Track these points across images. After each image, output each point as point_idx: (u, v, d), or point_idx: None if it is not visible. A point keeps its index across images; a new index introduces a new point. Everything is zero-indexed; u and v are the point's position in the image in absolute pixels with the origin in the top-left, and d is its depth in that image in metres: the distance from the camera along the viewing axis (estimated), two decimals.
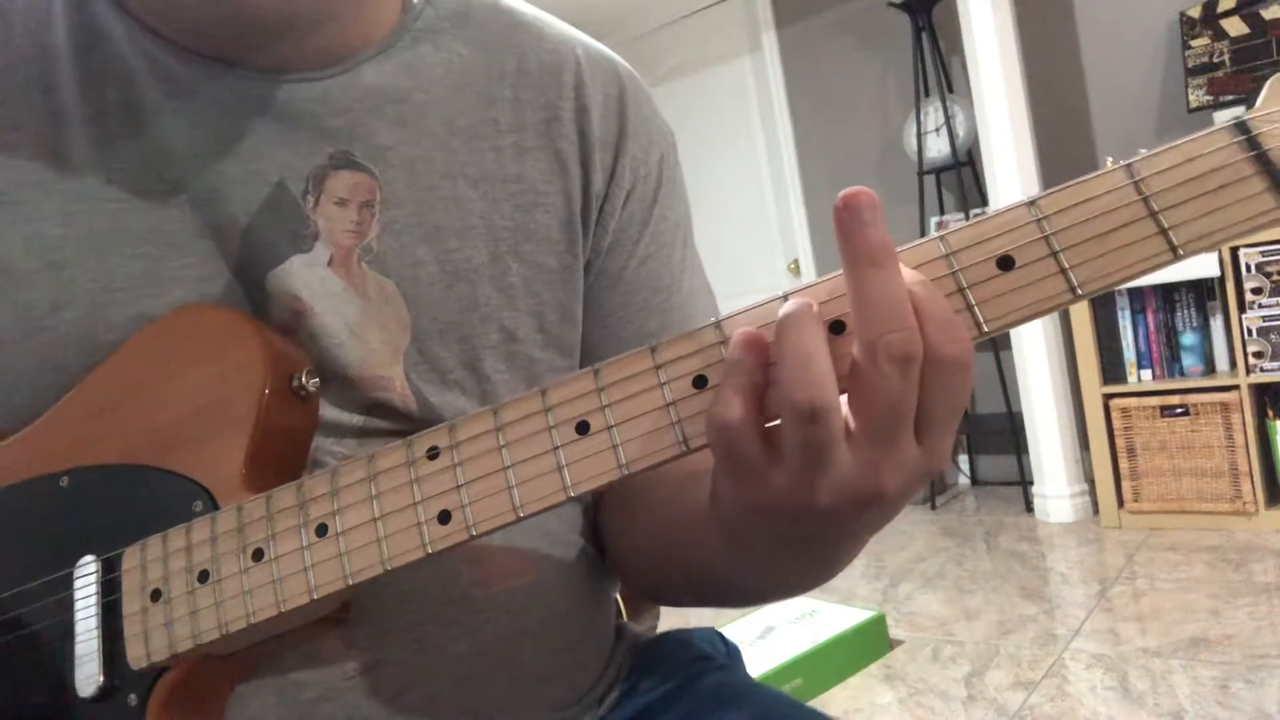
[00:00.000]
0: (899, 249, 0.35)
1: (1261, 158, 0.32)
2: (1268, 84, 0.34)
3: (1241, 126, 0.33)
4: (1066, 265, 0.34)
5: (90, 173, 0.48)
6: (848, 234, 0.34)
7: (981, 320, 0.35)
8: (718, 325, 0.37)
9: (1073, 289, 0.34)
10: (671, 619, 0.73)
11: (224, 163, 0.49)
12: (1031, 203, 0.35)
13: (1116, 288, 0.35)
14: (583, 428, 0.37)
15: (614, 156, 0.57)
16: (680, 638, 0.67)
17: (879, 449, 0.34)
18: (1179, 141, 0.34)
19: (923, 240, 0.36)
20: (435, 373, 0.52)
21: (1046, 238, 0.34)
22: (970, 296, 0.35)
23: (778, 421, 0.35)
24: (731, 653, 0.68)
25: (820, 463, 0.34)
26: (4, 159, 0.47)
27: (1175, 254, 0.33)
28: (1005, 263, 0.34)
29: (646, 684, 0.61)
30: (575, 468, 0.37)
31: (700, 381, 0.37)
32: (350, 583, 0.40)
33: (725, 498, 0.39)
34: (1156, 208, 0.33)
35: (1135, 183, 0.34)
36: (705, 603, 0.57)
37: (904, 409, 0.34)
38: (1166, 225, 0.33)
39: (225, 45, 0.50)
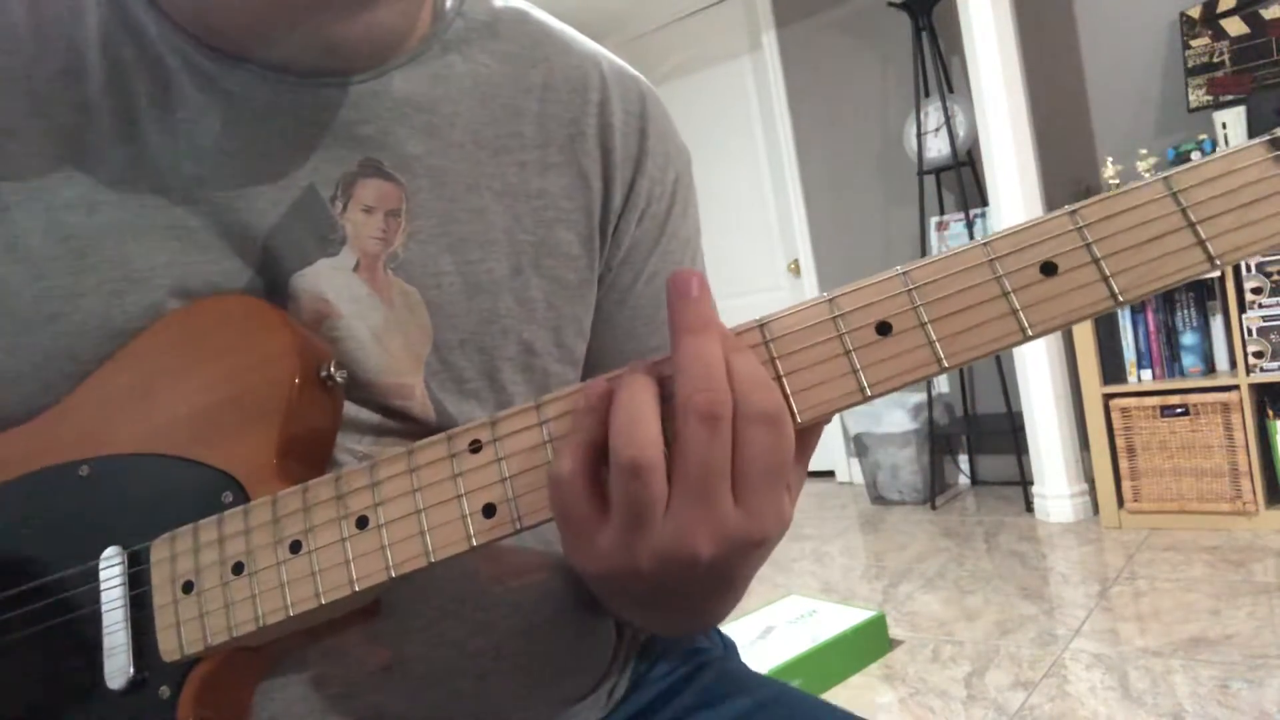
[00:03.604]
0: (942, 255, 0.36)
1: None
2: None
3: (1276, 141, 0.34)
4: (1108, 273, 0.35)
5: (115, 164, 0.47)
6: (672, 306, 0.37)
7: (1026, 325, 0.35)
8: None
9: (1114, 296, 0.35)
10: None
11: (255, 163, 0.49)
12: (1073, 211, 0.35)
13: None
14: None
15: (633, 173, 0.58)
16: None
17: (694, 511, 0.36)
18: (1215, 156, 0.34)
19: (967, 245, 0.36)
20: (454, 382, 0.52)
21: (1088, 245, 0.35)
22: (1015, 301, 0.35)
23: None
24: (727, 645, 0.69)
25: (641, 523, 0.36)
26: (30, 145, 0.47)
27: (1213, 263, 0.34)
28: (1048, 268, 0.35)
29: (652, 675, 0.62)
30: None
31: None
32: (393, 575, 0.40)
33: (570, 560, 0.40)
34: (1195, 219, 0.34)
35: (1174, 194, 0.34)
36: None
37: (716, 467, 0.35)
38: (1204, 236, 0.34)
39: (266, 49, 0.49)
